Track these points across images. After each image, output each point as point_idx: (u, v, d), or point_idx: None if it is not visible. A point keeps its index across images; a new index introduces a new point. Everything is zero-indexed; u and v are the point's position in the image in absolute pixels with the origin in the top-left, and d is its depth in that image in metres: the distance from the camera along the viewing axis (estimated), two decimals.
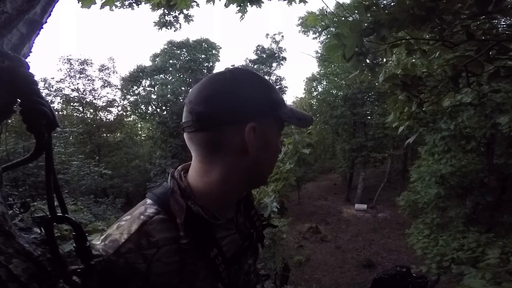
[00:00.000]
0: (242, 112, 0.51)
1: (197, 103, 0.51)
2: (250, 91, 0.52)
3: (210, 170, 0.54)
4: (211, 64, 19.07)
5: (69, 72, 15.46)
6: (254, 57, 19.26)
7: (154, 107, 18.28)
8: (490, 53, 1.44)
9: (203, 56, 18.77)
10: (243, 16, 2.60)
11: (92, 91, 16.69)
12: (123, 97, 18.53)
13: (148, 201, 0.54)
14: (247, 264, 0.65)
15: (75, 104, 16.70)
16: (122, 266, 0.47)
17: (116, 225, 0.52)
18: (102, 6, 2.20)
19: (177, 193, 0.53)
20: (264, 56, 19.13)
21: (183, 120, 0.54)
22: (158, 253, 0.48)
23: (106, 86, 17.28)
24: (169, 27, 3.09)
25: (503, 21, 1.91)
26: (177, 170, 0.59)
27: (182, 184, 0.55)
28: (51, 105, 0.50)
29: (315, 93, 20.07)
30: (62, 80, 15.43)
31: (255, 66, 18.59)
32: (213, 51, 19.12)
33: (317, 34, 15.90)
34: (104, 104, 17.47)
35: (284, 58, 19.53)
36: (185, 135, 0.55)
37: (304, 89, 21.96)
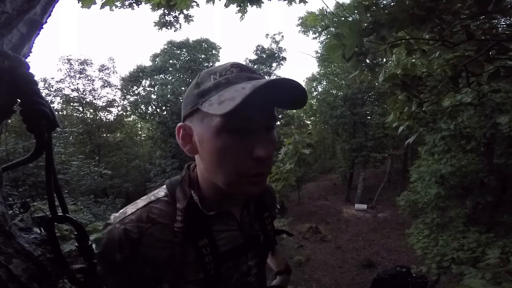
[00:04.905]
0: (182, 115, 0.58)
1: None
2: (185, 94, 0.57)
3: (197, 163, 0.61)
4: (211, 64, 19.02)
5: (69, 72, 15.40)
6: (254, 57, 19.23)
7: (154, 107, 18.26)
8: (490, 53, 1.44)
9: (203, 56, 18.73)
10: (243, 16, 2.61)
11: (92, 91, 16.64)
12: (123, 97, 18.48)
13: (164, 186, 0.62)
14: (246, 265, 0.65)
15: (75, 104, 16.66)
16: (121, 232, 0.54)
17: (134, 202, 0.61)
18: (102, 6, 2.20)
19: (186, 182, 0.60)
20: (264, 56, 19.08)
21: None
22: (151, 228, 0.55)
23: (106, 86, 17.22)
24: (169, 27, 3.09)
25: (503, 21, 1.91)
26: (193, 163, 0.65)
27: (192, 175, 0.62)
28: (51, 105, 0.50)
29: (315, 93, 20.03)
30: (62, 80, 15.39)
31: (255, 66, 18.53)
32: (213, 51, 19.09)
33: (317, 34, 15.86)
34: (104, 104, 17.42)
35: (284, 58, 19.49)
36: None
37: None
